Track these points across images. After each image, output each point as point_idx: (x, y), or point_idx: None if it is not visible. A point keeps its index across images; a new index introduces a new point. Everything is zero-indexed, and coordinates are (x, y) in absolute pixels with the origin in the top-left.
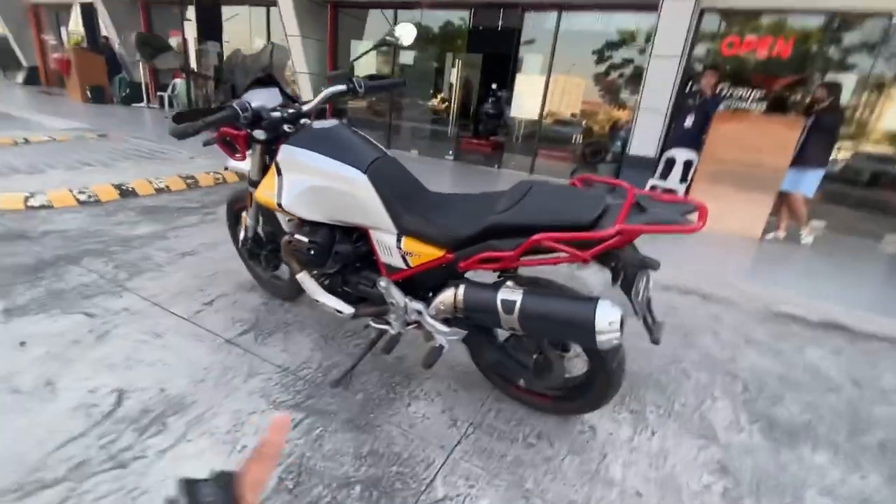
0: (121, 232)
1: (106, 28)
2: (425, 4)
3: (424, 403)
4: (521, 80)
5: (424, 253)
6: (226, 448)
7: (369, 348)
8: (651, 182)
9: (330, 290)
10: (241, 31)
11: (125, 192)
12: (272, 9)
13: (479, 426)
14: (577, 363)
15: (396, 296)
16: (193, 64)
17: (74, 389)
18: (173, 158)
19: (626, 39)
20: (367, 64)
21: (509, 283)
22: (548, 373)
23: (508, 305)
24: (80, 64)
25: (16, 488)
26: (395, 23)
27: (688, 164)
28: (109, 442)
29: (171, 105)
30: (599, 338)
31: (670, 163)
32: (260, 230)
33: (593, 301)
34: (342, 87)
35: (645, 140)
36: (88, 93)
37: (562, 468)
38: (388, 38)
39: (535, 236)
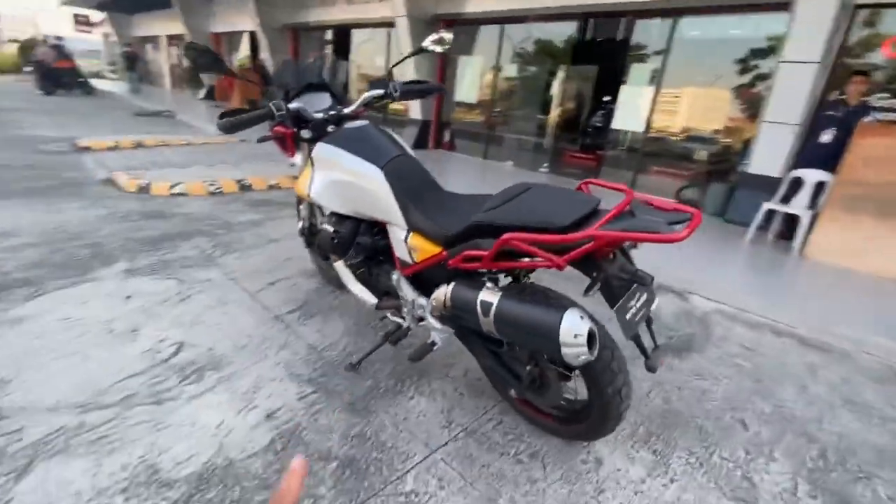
0: (229, 218)
1: (263, 52)
2: (532, 17)
3: (426, 401)
4: (627, 92)
5: (425, 249)
6: (239, 405)
7: (384, 340)
8: (767, 206)
9: (362, 280)
10: (367, 50)
11: (244, 187)
12: (392, 29)
13: (473, 433)
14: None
15: (406, 290)
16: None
17: (149, 337)
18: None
19: (752, 45)
20: (471, 76)
21: (489, 283)
22: (541, 387)
23: (485, 307)
24: (240, 83)
25: (80, 405)
26: (503, 37)
27: (819, 187)
28: (157, 382)
29: None
30: (564, 350)
31: (796, 184)
32: (313, 221)
33: (562, 310)
34: (380, 92)
35: (768, 157)
36: (246, 106)
37: (545, 493)
38: (424, 45)
39: (505, 236)
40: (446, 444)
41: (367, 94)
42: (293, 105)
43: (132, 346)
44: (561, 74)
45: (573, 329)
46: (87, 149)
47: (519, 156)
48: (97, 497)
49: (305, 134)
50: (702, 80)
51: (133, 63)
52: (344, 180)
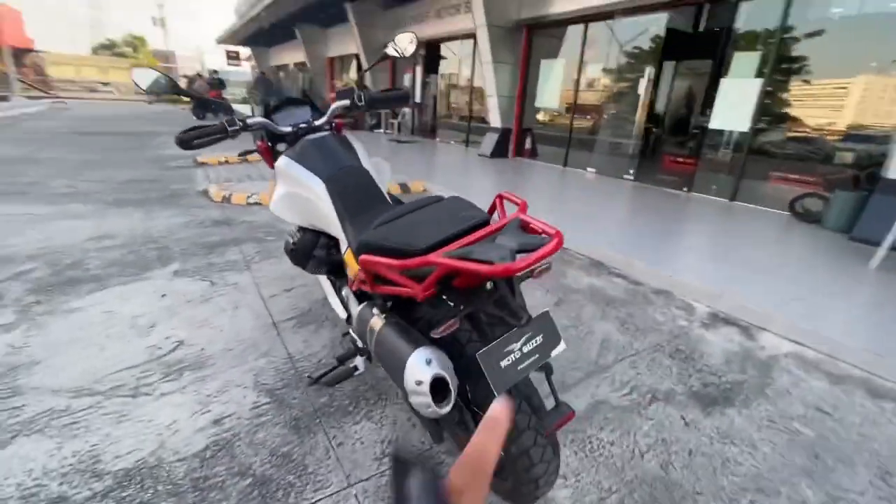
0: (285, 227)
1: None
2: (619, 12)
3: (371, 427)
4: (727, 87)
5: (352, 265)
6: (196, 407)
7: (338, 361)
8: None
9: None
10: (453, 60)
11: None
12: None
13: None
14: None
15: (353, 307)
16: (418, 95)
17: (159, 334)
18: None
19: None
20: (554, 80)
21: (375, 308)
22: (457, 429)
23: (371, 334)
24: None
25: (75, 390)
26: (586, 36)
27: None
28: (144, 377)
29: (399, 130)
30: (411, 399)
31: None
32: None
33: (412, 349)
34: (346, 102)
35: None
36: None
37: None
38: (387, 51)
39: (361, 259)
40: (368, 479)
41: (333, 106)
42: (255, 120)
43: (142, 340)
44: (649, 71)
45: (414, 374)
46: (203, 164)
47: (602, 162)
48: (42, 478)
49: (281, 147)
50: (836, 68)
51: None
52: (295, 192)
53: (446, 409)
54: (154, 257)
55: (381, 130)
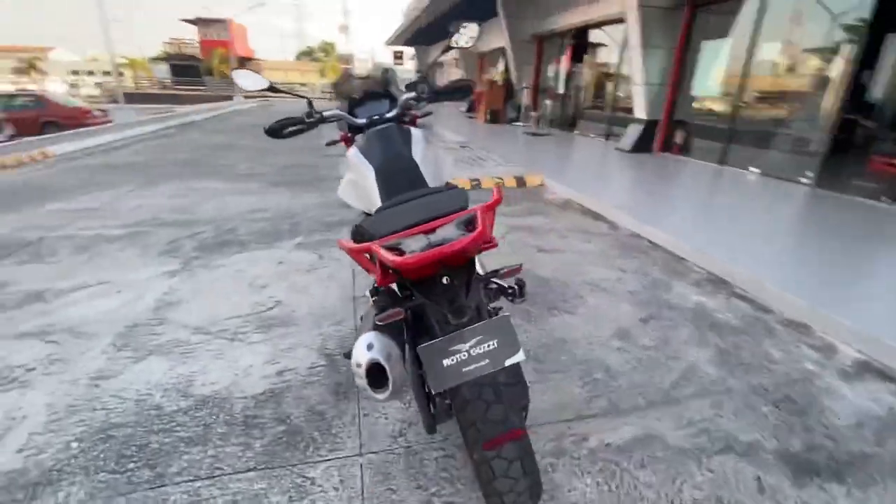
0: None
1: (510, 64)
2: None
3: (398, 406)
4: None
5: None
6: (270, 357)
7: None
8: None
9: None
10: (599, 48)
11: (474, 185)
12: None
13: (413, 454)
14: None
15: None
16: (562, 86)
17: (267, 293)
18: (485, 164)
19: None
20: (718, 64)
21: (368, 293)
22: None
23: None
24: (488, 94)
25: (196, 327)
26: (765, 8)
27: None
28: (244, 325)
29: (538, 123)
30: (356, 381)
31: None
32: None
33: (362, 333)
34: (412, 94)
35: None
36: (487, 116)
37: None
38: (451, 42)
39: (339, 242)
40: (377, 452)
41: (402, 98)
42: (331, 112)
43: (253, 296)
44: (851, 48)
45: (356, 357)
46: None
47: (770, 161)
48: (152, 389)
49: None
50: None
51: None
52: (355, 179)
53: (382, 395)
54: (286, 230)
55: (520, 123)
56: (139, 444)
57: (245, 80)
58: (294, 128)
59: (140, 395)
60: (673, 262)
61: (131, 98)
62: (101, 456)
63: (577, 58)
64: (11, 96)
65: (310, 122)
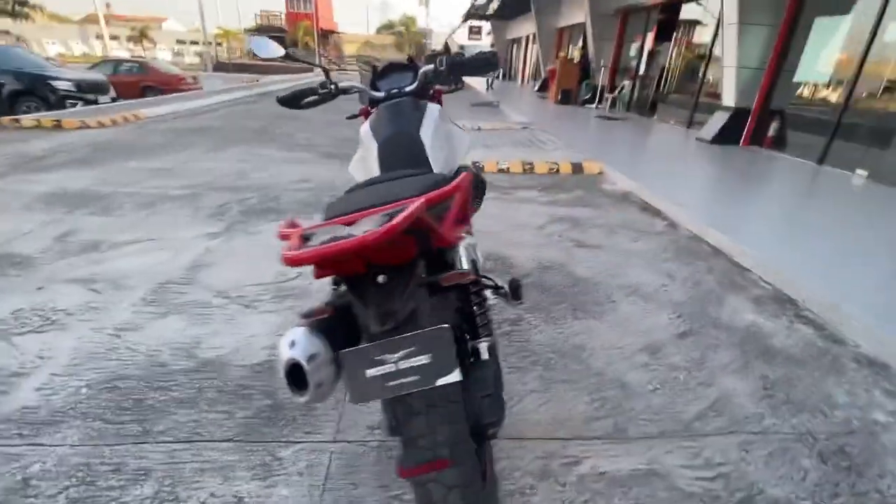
0: None
1: (589, 40)
2: None
3: None
4: None
5: None
6: (277, 329)
7: None
8: None
9: None
10: (689, 24)
11: (526, 169)
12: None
13: (387, 450)
14: None
15: None
16: (643, 66)
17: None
18: (544, 147)
19: None
20: (832, 44)
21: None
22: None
23: None
24: (560, 72)
25: (219, 290)
26: None
27: None
28: (262, 293)
29: (612, 105)
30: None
31: None
32: None
33: (291, 329)
34: (431, 67)
35: None
36: (559, 95)
37: None
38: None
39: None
40: (351, 442)
41: (421, 71)
42: (347, 83)
43: (278, 267)
44: None
45: (279, 353)
46: None
47: (886, 163)
48: (162, 346)
49: None
50: None
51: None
52: (363, 155)
53: (302, 398)
54: (325, 202)
55: (594, 105)
56: (136, 399)
57: (260, 47)
58: (309, 98)
59: (150, 350)
60: (733, 273)
61: (223, 67)
62: (102, 405)
63: (663, 36)
64: (118, 62)
65: (323, 92)
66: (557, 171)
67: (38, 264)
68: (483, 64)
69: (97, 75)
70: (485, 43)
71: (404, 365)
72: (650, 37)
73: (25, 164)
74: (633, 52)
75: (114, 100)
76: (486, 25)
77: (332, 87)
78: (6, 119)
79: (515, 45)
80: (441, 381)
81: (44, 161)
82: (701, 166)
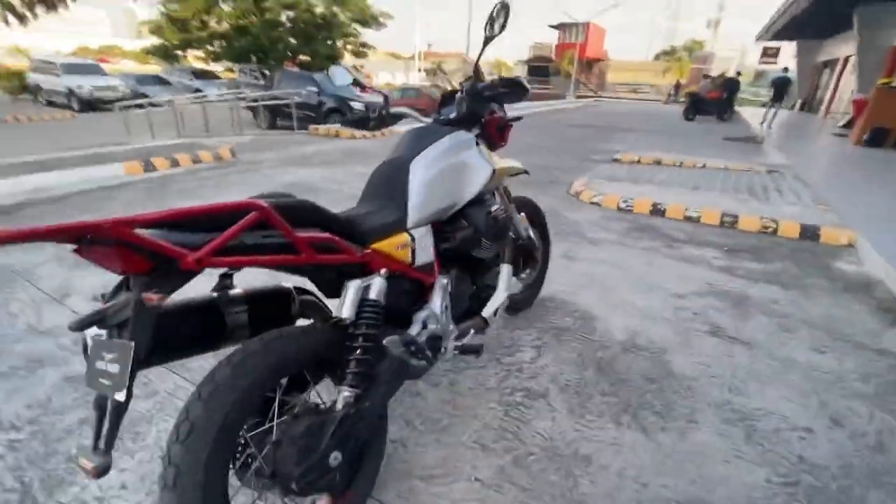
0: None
1: None
2: None
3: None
4: None
5: None
6: None
7: None
8: None
9: None
10: None
11: (728, 222)
12: None
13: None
14: None
15: None
16: None
17: None
18: (776, 200)
19: None
20: None
21: None
22: None
23: None
24: (874, 105)
25: None
26: None
27: None
28: None
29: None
30: None
31: None
32: None
33: None
34: (461, 93)
35: None
36: (865, 135)
37: None
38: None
39: None
40: None
41: (458, 97)
42: (396, 110)
43: None
44: None
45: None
46: (617, 161)
47: None
48: None
49: None
50: None
51: (781, 90)
52: None
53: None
54: None
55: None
56: None
57: (337, 76)
58: (362, 122)
59: None
60: None
61: None
62: None
63: None
64: (406, 88)
65: (374, 116)
66: (774, 231)
67: None
68: (511, 90)
69: (380, 98)
70: (779, 66)
71: (103, 366)
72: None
73: (293, 161)
74: None
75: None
76: (786, 46)
77: (382, 113)
78: (312, 127)
79: (828, 70)
80: (117, 396)
81: (307, 160)
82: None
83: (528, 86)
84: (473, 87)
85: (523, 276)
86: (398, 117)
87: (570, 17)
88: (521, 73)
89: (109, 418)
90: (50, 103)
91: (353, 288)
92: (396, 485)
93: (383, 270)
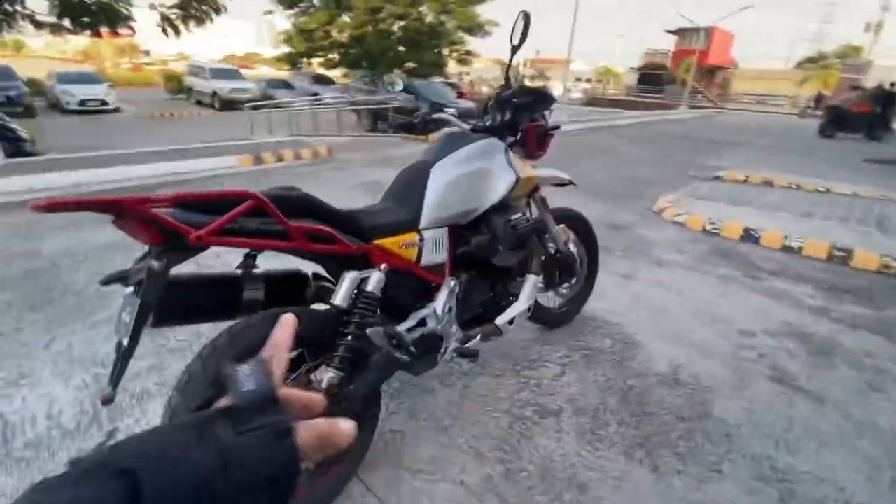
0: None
1: None
2: None
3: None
4: None
5: None
6: None
7: None
8: None
9: None
10: None
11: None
12: None
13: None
14: None
15: None
16: None
17: None
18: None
19: None
20: None
21: None
22: None
23: None
24: None
25: None
26: None
27: None
28: None
29: None
30: None
31: None
32: None
33: None
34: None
35: None
36: None
37: None
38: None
39: None
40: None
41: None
42: (438, 115)
43: None
44: None
45: None
46: (718, 178)
47: None
48: None
49: None
50: None
51: None
52: None
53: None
54: None
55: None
56: None
57: (392, 85)
58: (409, 127)
59: None
60: None
61: (595, 101)
62: None
63: None
64: None
65: (417, 122)
66: (800, 250)
67: None
68: (534, 101)
69: (471, 104)
70: None
71: (122, 315)
72: None
73: (380, 163)
74: None
75: None
76: None
77: (427, 118)
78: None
79: None
80: (125, 341)
81: (390, 162)
82: None
83: (553, 94)
84: (499, 95)
85: (563, 290)
86: (441, 124)
87: (691, 21)
88: (631, 81)
89: (118, 360)
90: (198, 102)
91: (348, 279)
92: (385, 471)
93: (384, 265)
